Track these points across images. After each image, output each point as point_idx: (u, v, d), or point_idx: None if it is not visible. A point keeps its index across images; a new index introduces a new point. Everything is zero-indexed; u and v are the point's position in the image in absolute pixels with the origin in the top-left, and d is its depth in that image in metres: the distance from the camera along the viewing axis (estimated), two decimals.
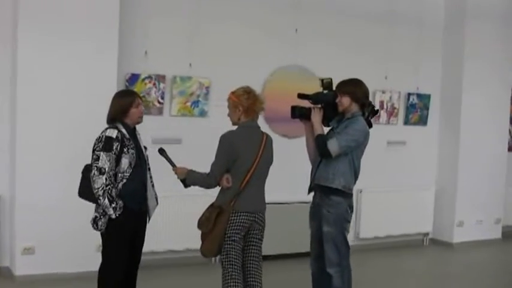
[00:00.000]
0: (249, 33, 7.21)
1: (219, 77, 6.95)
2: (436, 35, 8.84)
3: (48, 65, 5.98)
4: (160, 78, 6.65)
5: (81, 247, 6.06)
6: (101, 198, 4.41)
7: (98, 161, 4.41)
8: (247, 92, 4.67)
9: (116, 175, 4.49)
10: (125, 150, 4.48)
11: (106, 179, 4.39)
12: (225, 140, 4.52)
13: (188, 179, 4.64)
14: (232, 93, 4.67)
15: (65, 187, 5.47)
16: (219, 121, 6.00)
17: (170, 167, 4.72)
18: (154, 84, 6.58)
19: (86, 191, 4.53)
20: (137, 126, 4.73)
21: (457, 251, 8.72)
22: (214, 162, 4.55)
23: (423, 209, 8.58)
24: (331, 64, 7.32)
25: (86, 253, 5.99)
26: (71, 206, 5.45)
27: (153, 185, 4.79)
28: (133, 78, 6.49)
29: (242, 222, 4.60)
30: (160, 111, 6.68)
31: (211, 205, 4.70)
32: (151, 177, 4.79)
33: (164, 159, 4.75)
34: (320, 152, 4.82)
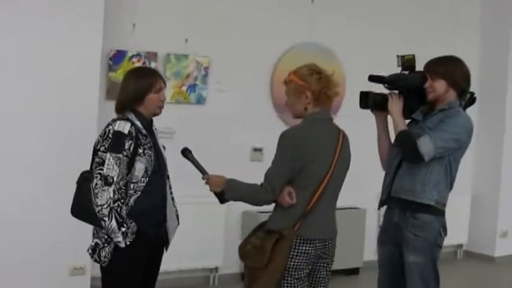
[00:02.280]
0: (258, 4, 6.30)
1: (221, 55, 6.07)
2: (473, 9, 7.85)
3: (7, 42, 4.85)
4: (151, 56, 5.72)
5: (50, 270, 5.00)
6: (105, 219, 3.39)
7: (103, 166, 3.41)
8: (317, 71, 3.54)
9: (127, 186, 3.48)
10: (140, 151, 3.50)
11: (114, 191, 3.39)
12: (290, 138, 3.44)
13: (228, 191, 3.55)
14: (295, 73, 3.55)
15: (31, 196, 4.72)
16: (219, 110, 5.83)
17: (196, 171, 3.71)
18: (144, 63, 5.64)
19: (83, 208, 3.50)
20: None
21: (499, 265, 7.75)
22: (273, 169, 3.45)
23: (456, 217, 7.26)
24: (354, 42, 6.61)
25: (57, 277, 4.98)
26: (36, 220, 4.64)
27: (172, 198, 3.80)
28: (119, 56, 5.56)
29: (310, 254, 3.47)
30: None
31: (261, 227, 3.63)
32: (170, 187, 3.79)
33: (190, 162, 3.74)
34: (406, 154, 3.80)
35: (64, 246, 4.85)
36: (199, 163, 3.72)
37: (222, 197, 3.59)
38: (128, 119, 3.53)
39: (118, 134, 3.45)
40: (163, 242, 3.75)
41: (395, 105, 3.87)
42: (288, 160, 3.40)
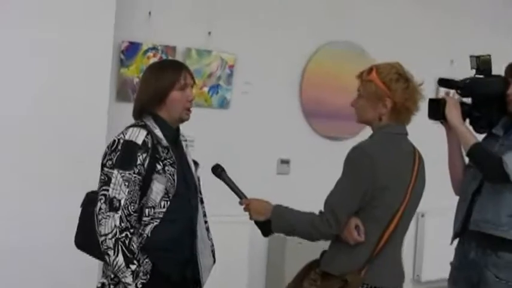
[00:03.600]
0: None
1: (248, 52, 5.43)
2: None
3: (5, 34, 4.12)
4: (169, 50, 5.09)
5: None
6: (110, 252, 2.71)
7: (108, 185, 2.74)
8: (404, 77, 2.89)
9: (141, 211, 2.82)
10: (159, 167, 2.83)
11: (121, 218, 2.71)
12: (365, 157, 2.81)
13: (275, 221, 2.94)
14: (378, 72, 2.90)
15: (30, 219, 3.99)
16: (245, 115, 5.36)
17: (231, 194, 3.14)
18: (160, 58, 4.99)
19: (87, 238, 2.85)
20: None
21: None
22: (338, 195, 2.83)
23: None
24: (389, 40, 5.97)
25: None
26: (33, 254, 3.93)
27: (207, 229, 3.16)
28: (132, 49, 4.91)
29: None
30: None
31: (312, 267, 3.00)
32: (205, 214, 3.14)
33: (223, 183, 3.14)
34: (490, 173, 3.19)
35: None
36: (235, 184, 3.12)
37: (266, 228, 3.01)
38: (144, 126, 2.86)
39: (129, 145, 2.79)
40: (193, 285, 3.03)
41: (455, 108, 3.28)
42: (359, 184, 2.78)
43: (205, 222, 3.14)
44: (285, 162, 5.67)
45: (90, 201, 2.86)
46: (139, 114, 2.93)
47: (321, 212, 2.81)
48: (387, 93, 2.84)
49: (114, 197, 2.71)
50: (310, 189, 4.93)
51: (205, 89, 5.22)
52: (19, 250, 4.05)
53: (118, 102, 4.69)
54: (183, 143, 3.10)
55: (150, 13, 4.95)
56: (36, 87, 4.16)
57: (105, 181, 2.75)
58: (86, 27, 4.27)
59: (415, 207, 2.95)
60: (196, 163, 3.15)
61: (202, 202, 3.12)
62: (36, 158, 4.16)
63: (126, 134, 2.81)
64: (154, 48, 4.98)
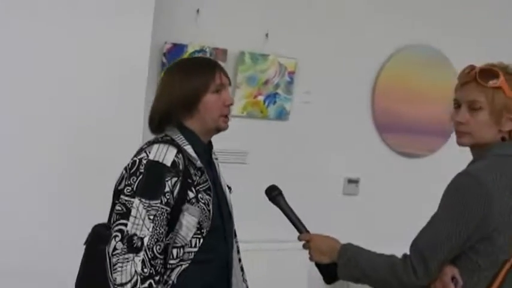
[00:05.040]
0: None
1: (311, 57, 4.93)
2: None
3: (29, 34, 3.66)
4: (219, 53, 4.60)
5: None
6: None
7: (127, 219, 2.23)
8: None
9: (166, 252, 2.31)
10: (192, 195, 2.33)
11: (144, 263, 2.19)
12: (474, 187, 2.17)
13: (343, 266, 2.40)
14: (507, 74, 2.29)
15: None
16: (307, 127, 4.99)
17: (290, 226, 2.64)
18: None
19: (96, 286, 2.30)
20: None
21: None
22: (430, 235, 2.22)
23: None
24: (472, 44, 5.32)
25: None
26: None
27: (241, 268, 2.72)
28: (176, 51, 4.44)
29: None
30: None
31: None
32: (238, 250, 2.70)
33: (281, 211, 2.63)
34: None
35: None
36: (294, 212, 2.59)
37: (330, 273, 2.44)
38: (172, 142, 2.32)
39: (155, 167, 2.28)
40: None
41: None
42: (465, 223, 2.15)
43: (239, 260, 2.64)
44: (353, 181, 5.19)
45: (97, 238, 2.33)
46: (160, 125, 2.41)
47: (405, 256, 2.23)
48: None
49: (135, 235, 2.19)
50: (382, 214, 4.76)
51: (261, 98, 4.74)
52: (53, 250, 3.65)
53: None
54: (215, 161, 2.58)
55: (198, 11, 4.51)
56: (69, 89, 3.75)
57: (123, 213, 2.22)
58: (120, 26, 3.82)
59: None
60: (229, 187, 2.65)
61: (235, 236, 2.61)
62: (71, 161, 3.76)
63: (149, 152, 2.28)
64: (201, 50, 4.53)
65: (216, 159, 2.61)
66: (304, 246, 2.51)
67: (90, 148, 3.71)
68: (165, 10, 4.30)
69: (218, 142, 4.56)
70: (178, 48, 4.41)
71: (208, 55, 4.47)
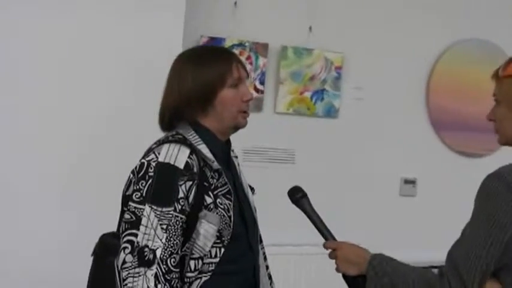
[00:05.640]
0: None
1: (359, 51, 4.80)
2: None
3: (59, 31, 3.56)
4: (260, 48, 4.52)
5: None
6: None
7: (137, 228, 2.03)
8: None
9: (183, 264, 2.10)
10: (209, 200, 2.11)
11: (157, 278, 1.98)
12: (505, 189, 1.97)
13: (372, 278, 2.18)
14: None
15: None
16: (358, 125, 4.86)
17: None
18: (248, 58, 4.50)
19: None
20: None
21: None
22: (465, 246, 2.00)
23: None
24: None
25: None
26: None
27: (269, 276, 2.49)
28: (213, 45, 4.32)
29: None
30: (258, 106, 4.55)
31: None
32: (265, 258, 2.48)
33: (305, 215, 2.37)
34: None
35: None
36: (319, 217, 2.33)
37: (358, 285, 2.23)
38: (184, 141, 2.11)
39: (166, 170, 2.07)
40: None
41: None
42: (501, 229, 1.93)
43: (267, 267, 2.43)
44: (409, 182, 5.02)
45: (106, 249, 2.15)
46: (170, 123, 2.21)
47: (441, 272, 2.02)
48: None
49: (146, 246, 1.99)
50: (439, 216, 4.65)
51: (307, 94, 4.58)
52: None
53: None
54: (234, 160, 2.36)
55: (235, 3, 4.40)
56: (99, 86, 3.64)
57: (132, 222, 2.02)
58: (151, 20, 3.71)
59: None
60: (251, 188, 2.43)
61: (261, 242, 2.41)
62: (107, 159, 3.63)
63: (159, 153, 2.07)
64: (240, 44, 4.41)
65: (236, 157, 2.41)
66: (331, 255, 2.27)
67: (125, 147, 3.57)
68: (201, 2, 4.21)
69: (262, 140, 4.66)
70: (215, 42, 4.31)
71: (247, 50, 4.34)
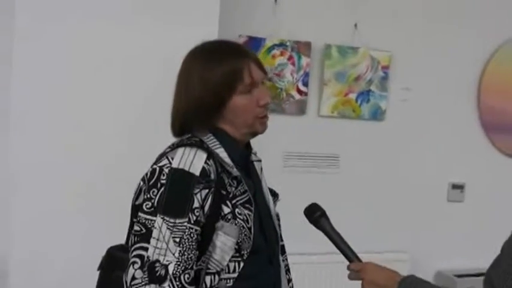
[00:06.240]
0: None
1: (407, 50, 4.58)
2: None
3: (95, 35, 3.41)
4: (302, 47, 4.31)
5: None
6: None
7: (147, 241, 1.84)
8: None
9: (197, 279, 1.91)
10: (227, 210, 1.92)
11: None
12: None
13: None
14: None
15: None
16: (405, 128, 4.68)
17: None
18: (290, 58, 4.26)
19: None
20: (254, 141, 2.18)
21: None
22: (503, 264, 1.79)
23: None
24: None
25: None
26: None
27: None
28: (252, 45, 4.14)
29: None
30: (301, 109, 4.34)
31: None
32: (287, 269, 2.29)
33: (325, 236, 2.16)
34: None
35: None
36: (341, 237, 2.12)
37: None
38: (201, 144, 1.91)
39: (180, 177, 1.86)
40: None
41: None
42: None
43: (289, 281, 2.25)
44: (458, 187, 4.87)
45: (113, 263, 1.98)
46: (183, 127, 2.00)
47: None
48: None
49: (157, 261, 1.80)
50: (489, 222, 4.54)
51: (352, 96, 4.36)
52: None
53: None
54: (256, 165, 2.14)
55: (276, 1, 4.19)
56: (133, 89, 3.49)
57: (142, 234, 1.84)
58: (184, 21, 3.51)
59: None
60: (274, 194, 2.20)
61: (283, 252, 2.21)
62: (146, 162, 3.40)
63: (173, 158, 1.87)
64: (281, 44, 4.19)
65: (259, 161, 2.18)
66: (356, 278, 2.09)
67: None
68: (239, 1, 4.02)
69: (304, 145, 4.51)
70: (255, 41, 4.10)
71: (289, 50, 4.12)
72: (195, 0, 3.54)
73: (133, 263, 1.79)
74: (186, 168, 1.82)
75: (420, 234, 4.48)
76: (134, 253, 1.80)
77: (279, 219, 2.17)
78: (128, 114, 3.42)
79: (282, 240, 2.17)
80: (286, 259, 2.23)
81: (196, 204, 1.80)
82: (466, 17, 4.72)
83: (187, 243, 1.79)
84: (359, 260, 2.07)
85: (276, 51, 4.17)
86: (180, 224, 1.79)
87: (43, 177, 3.37)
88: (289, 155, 4.26)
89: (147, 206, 1.81)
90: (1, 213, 3.47)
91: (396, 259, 4.28)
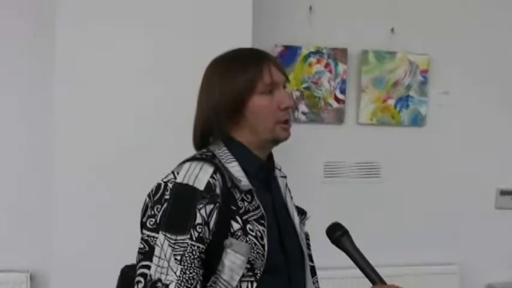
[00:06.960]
0: None
1: (447, 53, 4.49)
2: None
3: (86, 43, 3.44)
4: (338, 54, 4.27)
5: None
6: None
7: (149, 260, 1.79)
8: None
9: None
10: (236, 227, 1.82)
11: None
12: None
13: None
14: None
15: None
16: (448, 134, 4.58)
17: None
18: (327, 65, 4.21)
19: None
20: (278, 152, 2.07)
21: None
22: None
23: None
24: None
25: None
26: None
27: None
28: (288, 54, 4.12)
29: None
30: (339, 117, 4.29)
31: None
32: None
33: (347, 255, 2.02)
34: None
35: None
36: (365, 258, 1.99)
37: None
38: (211, 158, 1.84)
39: (183, 192, 1.79)
40: None
41: None
42: None
43: None
44: (506, 193, 4.75)
45: (125, 283, 1.92)
46: (203, 139, 1.94)
47: None
48: None
49: (159, 280, 1.73)
50: None
51: (391, 102, 4.28)
52: None
53: None
54: (280, 180, 2.04)
55: (310, 8, 4.14)
56: (174, 102, 3.45)
57: (145, 252, 1.78)
58: (217, 32, 3.50)
59: None
60: (302, 212, 2.09)
61: (314, 274, 2.09)
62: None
63: (178, 173, 1.81)
64: (318, 52, 4.13)
65: (284, 177, 2.08)
66: None
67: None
68: (273, 10, 3.98)
69: (344, 154, 4.41)
70: (291, 50, 4.06)
71: (325, 57, 4.07)
72: (228, 11, 3.51)
73: (138, 282, 1.75)
74: (191, 183, 1.76)
75: (468, 244, 4.37)
76: (138, 272, 1.76)
77: (308, 239, 2.06)
78: (170, 125, 3.40)
79: (312, 262, 2.06)
80: (317, 281, 2.12)
81: (199, 220, 1.73)
82: (505, 17, 4.60)
83: (188, 261, 1.72)
84: (382, 282, 1.94)
85: (313, 59, 4.12)
86: (181, 241, 1.72)
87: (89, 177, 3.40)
88: (329, 165, 4.17)
89: (151, 223, 1.76)
90: (45, 213, 3.56)
91: (444, 272, 4.20)
